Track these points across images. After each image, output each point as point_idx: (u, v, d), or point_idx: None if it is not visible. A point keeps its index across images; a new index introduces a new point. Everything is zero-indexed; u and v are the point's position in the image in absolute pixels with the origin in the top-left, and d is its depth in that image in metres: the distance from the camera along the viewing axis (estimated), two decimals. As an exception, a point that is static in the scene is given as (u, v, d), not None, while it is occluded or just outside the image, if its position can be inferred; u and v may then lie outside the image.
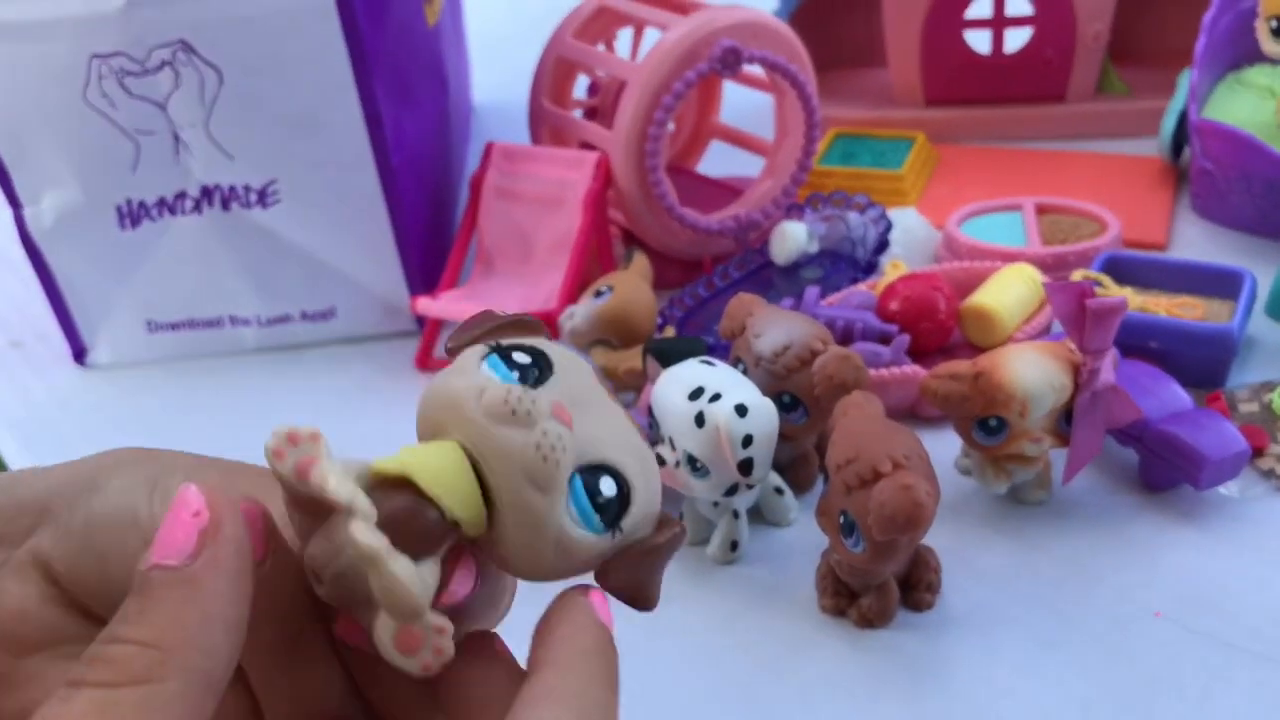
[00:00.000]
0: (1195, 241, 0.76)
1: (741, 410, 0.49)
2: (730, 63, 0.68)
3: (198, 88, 0.65)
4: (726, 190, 0.81)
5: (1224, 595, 0.50)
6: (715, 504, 0.54)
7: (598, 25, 0.77)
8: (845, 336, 0.63)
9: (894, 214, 0.75)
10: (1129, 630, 0.49)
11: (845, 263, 0.73)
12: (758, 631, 0.51)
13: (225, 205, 0.69)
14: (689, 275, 0.76)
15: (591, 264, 0.72)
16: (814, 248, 0.73)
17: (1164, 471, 0.55)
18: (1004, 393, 0.51)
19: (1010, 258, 0.69)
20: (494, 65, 1.06)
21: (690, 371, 0.52)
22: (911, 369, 0.61)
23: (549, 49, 0.76)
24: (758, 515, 0.57)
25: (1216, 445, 0.52)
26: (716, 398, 0.50)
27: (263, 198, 0.69)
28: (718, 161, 0.87)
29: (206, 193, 0.68)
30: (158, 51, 0.63)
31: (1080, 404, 0.51)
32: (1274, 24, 0.70)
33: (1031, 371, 0.51)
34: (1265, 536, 0.53)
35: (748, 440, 0.49)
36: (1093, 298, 0.50)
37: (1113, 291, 0.63)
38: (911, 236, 0.75)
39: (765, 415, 0.50)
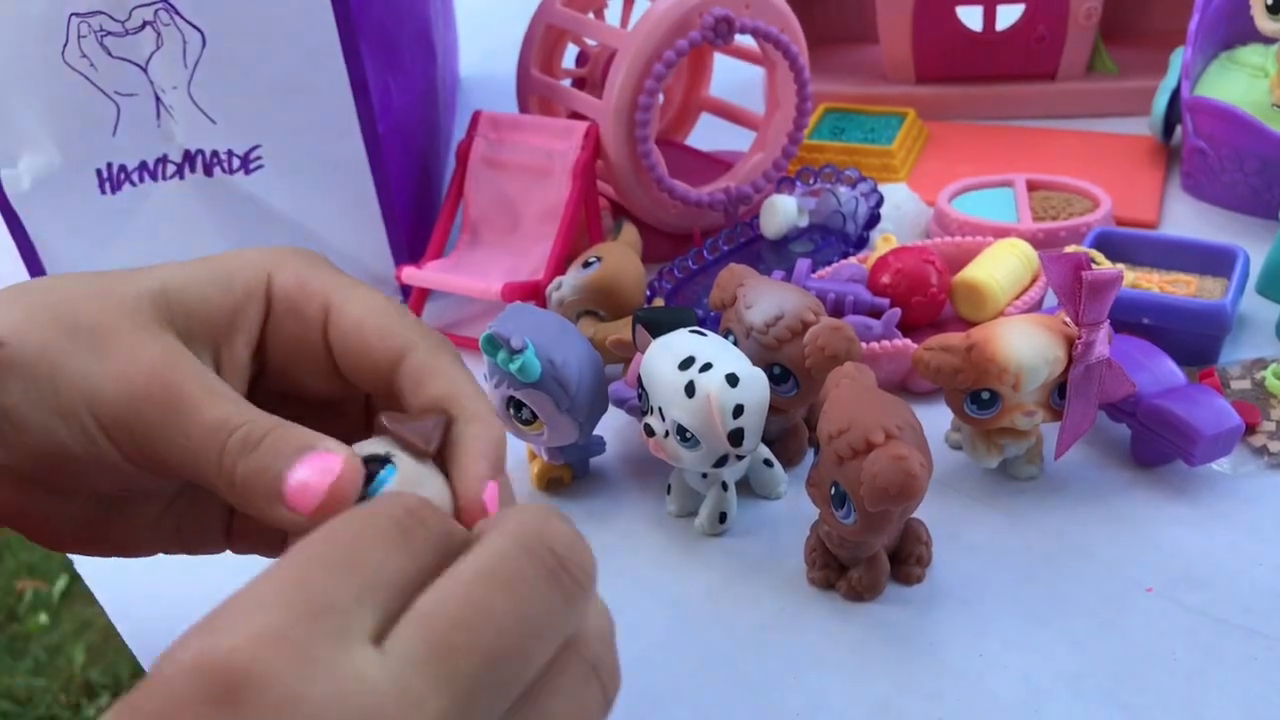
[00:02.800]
0: (1186, 220, 0.75)
1: (733, 380, 0.48)
2: (723, 32, 0.68)
3: (180, 49, 0.63)
4: (716, 164, 0.80)
5: (1215, 571, 0.50)
6: (704, 475, 0.54)
7: (588, -7, 0.76)
8: (836, 309, 0.62)
9: (885, 189, 0.74)
10: (1120, 605, 0.49)
11: (835, 237, 0.72)
12: (745, 604, 0.50)
13: (208, 170, 0.67)
14: (678, 248, 0.75)
15: (580, 235, 0.71)
16: (804, 221, 0.73)
17: (1156, 447, 0.54)
18: (997, 365, 0.50)
19: (1002, 233, 0.69)
20: (481, 36, 1.05)
21: (680, 341, 0.51)
22: (903, 342, 0.60)
23: (538, 16, 0.75)
24: (746, 488, 0.56)
25: (1210, 421, 0.52)
26: (707, 367, 0.49)
27: (246, 163, 0.68)
28: (707, 135, 0.86)
29: (189, 157, 0.67)
30: (139, 11, 0.62)
31: (1074, 377, 0.51)
32: (1269, 1, 0.70)
33: (1025, 344, 0.50)
34: (1257, 513, 0.52)
35: (738, 410, 0.48)
36: (1089, 269, 0.49)
37: (1104, 265, 0.63)
38: (902, 212, 0.74)
39: (757, 385, 0.49)
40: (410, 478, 0.35)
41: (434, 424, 0.36)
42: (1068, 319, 0.51)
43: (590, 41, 0.82)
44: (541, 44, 0.76)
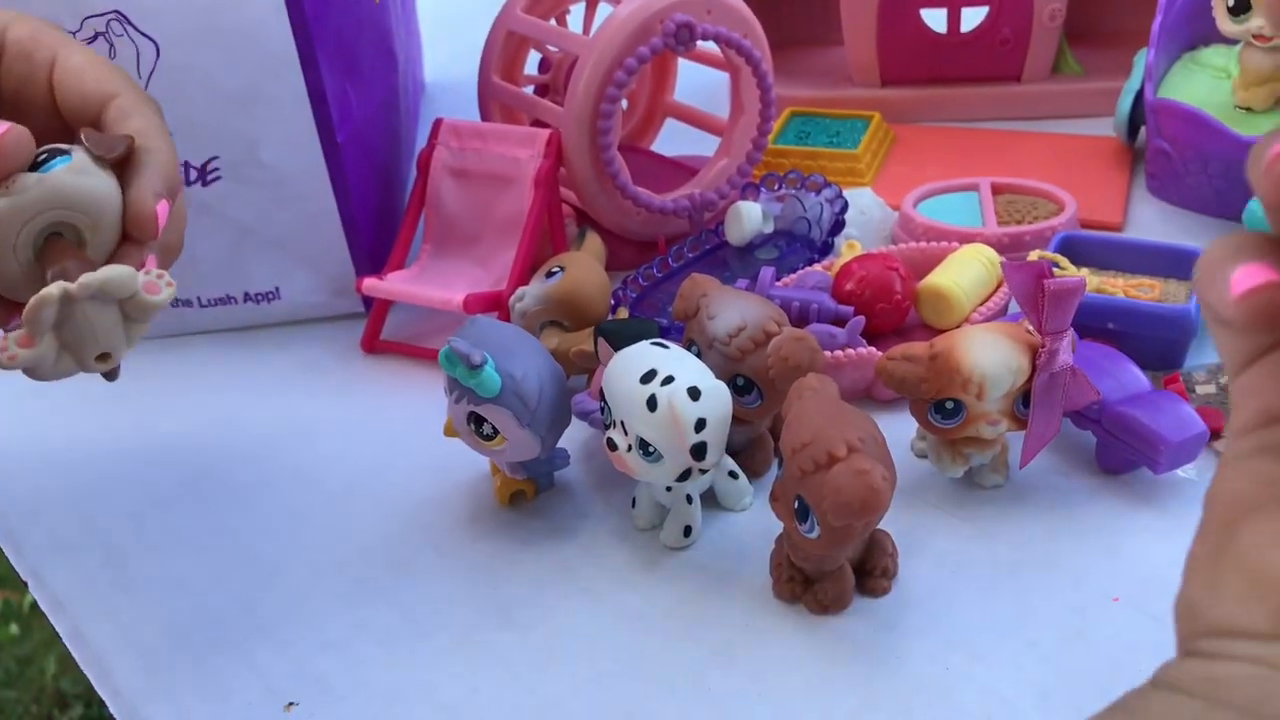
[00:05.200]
0: (1151, 222, 0.75)
1: (695, 393, 0.48)
2: (684, 38, 0.67)
3: (133, 60, 0.62)
4: (681, 169, 0.79)
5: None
6: (668, 489, 0.53)
7: (548, 1, 0.75)
8: (800, 318, 0.62)
9: (849, 194, 0.74)
10: (1087, 615, 0.48)
11: (801, 243, 0.72)
12: (711, 618, 0.50)
13: (163, 183, 0.66)
14: (643, 255, 0.74)
15: (543, 244, 0.70)
16: (769, 228, 0.72)
17: (1122, 454, 0.54)
18: (961, 374, 0.50)
19: (966, 238, 0.69)
20: (445, 42, 1.04)
21: (642, 354, 0.50)
22: (867, 350, 0.60)
23: (499, 23, 0.75)
24: (712, 500, 0.56)
25: (1175, 427, 0.52)
26: (669, 380, 0.49)
27: (203, 175, 0.67)
28: (672, 141, 0.85)
29: (144, 170, 0.66)
30: (91, 21, 0.61)
31: (1038, 386, 0.50)
32: (1231, 2, 0.70)
33: (988, 353, 0.50)
34: (1222, 519, 0.52)
35: (701, 424, 0.48)
36: (1051, 278, 0.49)
37: (1070, 272, 0.63)
38: (867, 217, 0.74)
39: (719, 398, 0.48)
40: (81, 168, 0.43)
41: (119, 140, 0.44)
42: (1031, 327, 0.51)
43: (552, 48, 0.81)
44: (503, 50, 0.75)
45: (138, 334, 0.45)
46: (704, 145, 0.80)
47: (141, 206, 0.44)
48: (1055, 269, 0.63)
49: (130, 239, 0.45)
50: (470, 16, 0.83)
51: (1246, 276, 0.25)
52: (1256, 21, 0.69)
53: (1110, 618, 0.48)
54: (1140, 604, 0.49)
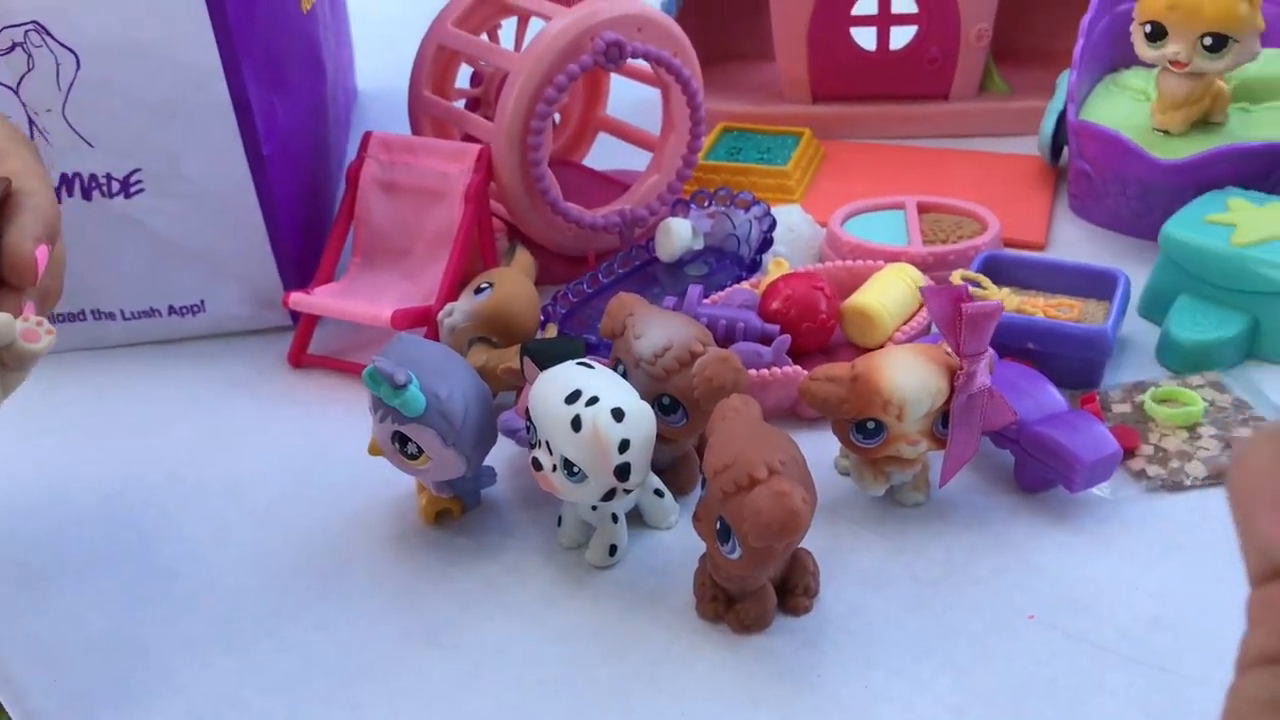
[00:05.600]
0: (1073, 241, 0.77)
1: (618, 414, 0.48)
2: (614, 56, 0.67)
3: (53, 71, 0.61)
4: (613, 184, 0.80)
5: (1095, 597, 0.51)
6: (594, 508, 0.53)
7: (481, 14, 0.75)
8: (727, 336, 0.62)
9: (778, 211, 0.74)
10: (1003, 633, 0.49)
11: (730, 260, 0.73)
12: (636, 637, 0.50)
13: (86, 194, 0.65)
14: (574, 270, 0.74)
15: (473, 259, 0.70)
16: (699, 244, 0.73)
17: (1039, 474, 0.55)
18: (881, 396, 0.51)
19: (892, 257, 0.70)
20: (378, 50, 1.03)
21: (567, 374, 0.51)
22: (792, 369, 0.60)
23: (429, 37, 0.74)
24: (638, 518, 0.56)
25: (1089, 447, 0.53)
26: (594, 401, 0.49)
27: (126, 187, 0.66)
28: (606, 155, 0.86)
29: (65, 181, 0.65)
30: (8, 32, 0.60)
31: (956, 407, 0.51)
32: (1148, 29, 0.71)
33: (908, 375, 0.51)
34: (1136, 538, 0.54)
35: (624, 445, 0.48)
36: (968, 301, 0.50)
37: (991, 292, 0.64)
38: (795, 234, 0.74)
39: (642, 419, 0.49)
40: None
41: None
42: (950, 349, 0.52)
43: (483, 62, 0.81)
44: (433, 64, 0.75)
45: (16, 382, 0.44)
46: (638, 160, 0.80)
47: (19, 251, 0.43)
48: (976, 289, 0.64)
49: (7, 285, 0.44)
50: (404, 24, 0.83)
51: None
52: (1172, 48, 0.70)
53: (1025, 635, 0.49)
54: (1054, 621, 0.50)
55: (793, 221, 0.75)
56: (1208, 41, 0.69)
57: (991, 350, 0.59)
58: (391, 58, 0.81)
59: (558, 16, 0.69)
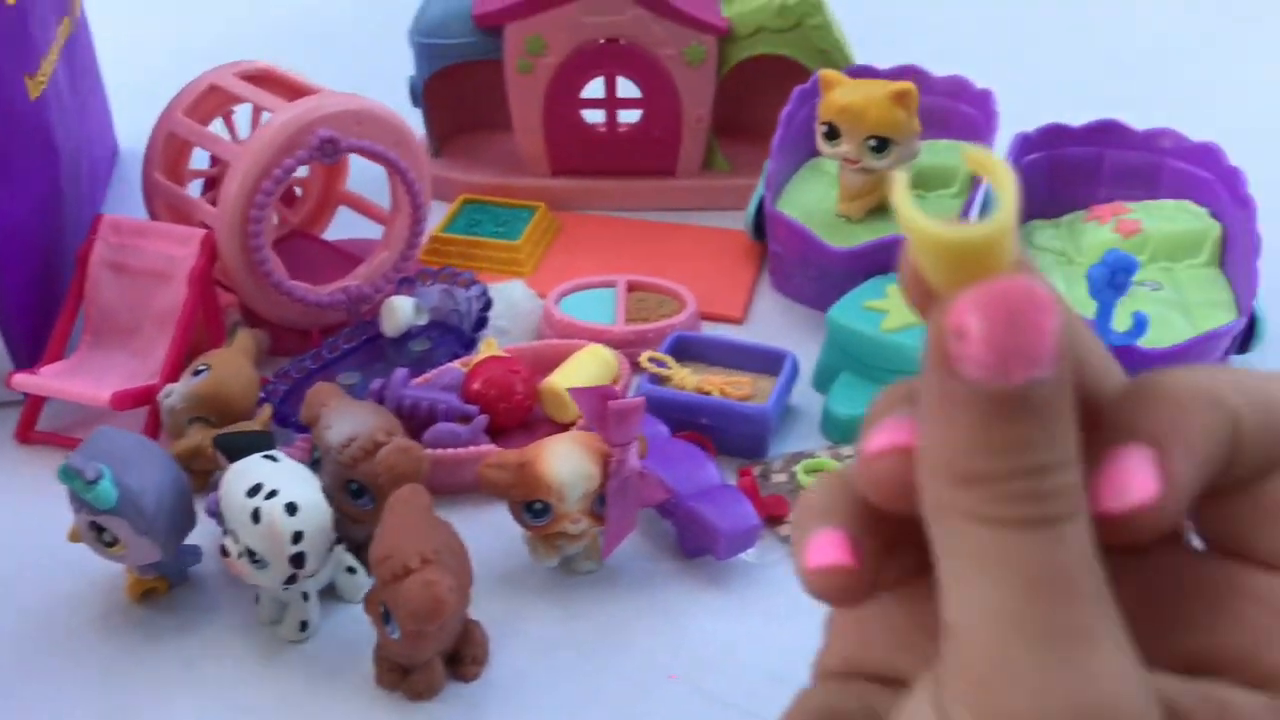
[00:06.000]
0: (770, 314, 0.85)
1: (292, 508, 0.53)
2: (329, 151, 0.72)
3: None
4: (347, 259, 0.84)
5: (730, 656, 0.58)
6: (285, 587, 0.58)
7: (211, 102, 0.79)
8: (429, 417, 0.68)
9: (501, 287, 0.80)
10: (648, 694, 0.56)
11: (453, 335, 0.78)
12: (316, 709, 0.55)
13: None
14: (307, 343, 0.79)
15: (201, 339, 0.74)
16: (423, 320, 0.78)
17: (694, 542, 0.62)
18: (543, 482, 0.57)
19: (597, 335, 0.76)
20: (143, 103, 1.04)
21: (252, 467, 0.55)
22: (488, 448, 0.66)
23: (160, 124, 0.78)
24: (334, 591, 0.61)
25: (731, 521, 0.60)
26: (272, 494, 0.53)
27: None
28: (352, 222, 0.90)
29: None
30: None
31: (611, 489, 0.58)
32: (824, 129, 0.80)
33: (565, 463, 0.57)
34: (774, 598, 0.61)
35: (298, 536, 0.53)
36: (615, 399, 0.56)
37: (674, 370, 0.71)
38: (517, 310, 0.80)
39: (316, 512, 0.54)
40: None
41: None
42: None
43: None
44: (165, 150, 0.78)
45: None
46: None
47: None
48: (661, 368, 0.71)
49: None
50: (163, 75, 0.85)
51: (820, 550, 0.21)
52: (845, 146, 0.79)
53: (665, 695, 0.56)
54: (693, 681, 0.56)
55: (515, 297, 0.81)
56: (872, 143, 0.78)
57: (664, 428, 0.66)
58: (155, 108, 0.82)
59: (279, 110, 0.73)
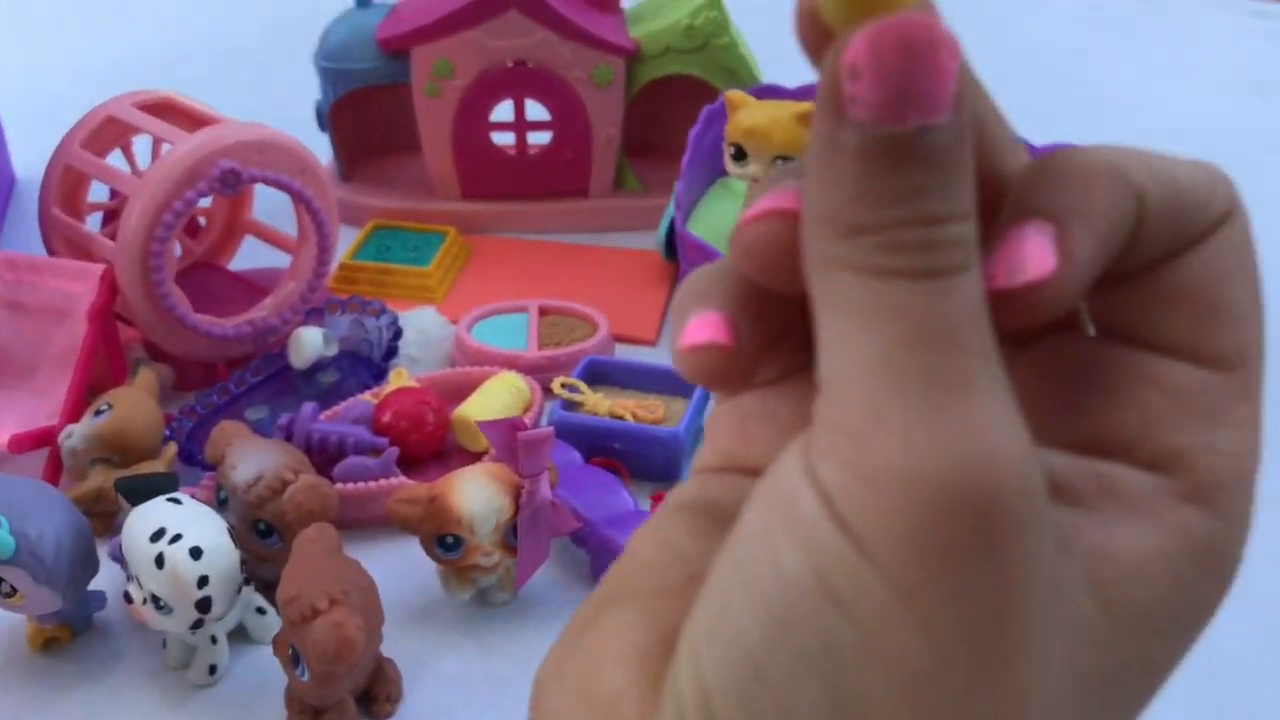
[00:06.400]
0: (684, 335, 0.85)
1: (196, 552, 0.52)
2: (230, 182, 0.71)
3: None
4: (254, 290, 0.83)
5: (645, 682, 0.58)
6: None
7: (108, 134, 0.77)
8: (339, 450, 0.67)
9: (412, 314, 0.80)
10: (563, 722, 0.55)
11: (364, 365, 0.77)
12: (226, 755, 0.54)
13: None
14: (214, 376, 0.77)
15: (102, 376, 0.72)
16: (332, 351, 0.77)
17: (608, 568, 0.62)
18: (453, 515, 0.57)
19: (509, 362, 0.76)
20: (41, 130, 1.02)
21: (154, 511, 0.54)
22: (399, 481, 0.65)
23: (56, 157, 0.76)
24: (244, 632, 0.60)
25: (644, 548, 0.60)
26: (176, 539, 0.52)
27: None
28: (259, 251, 0.88)
29: None
30: None
31: (522, 520, 0.58)
32: (732, 150, 0.80)
33: (476, 495, 0.57)
34: (689, 623, 0.61)
35: (204, 580, 0.52)
36: (523, 430, 0.56)
37: (586, 398, 0.71)
38: (427, 336, 0.80)
39: (221, 555, 0.53)
40: None
41: None
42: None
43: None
44: (62, 183, 0.76)
45: None
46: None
47: None
48: (574, 394, 0.71)
49: None
50: (61, 101, 0.83)
51: (695, 330, 0.21)
52: (751, 168, 0.79)
53: (580, 724, 0.55)
54: (609, 708, 0.56)
55: (425, 324, 0.80)
56: (780, 164, 0.79)
57: (576, 455, 0.66)
58: (54, 136, 0.80)
59: (180, 142, 0.72)
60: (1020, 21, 1.38)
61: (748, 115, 0.79)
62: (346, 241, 0.88)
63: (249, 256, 0.88)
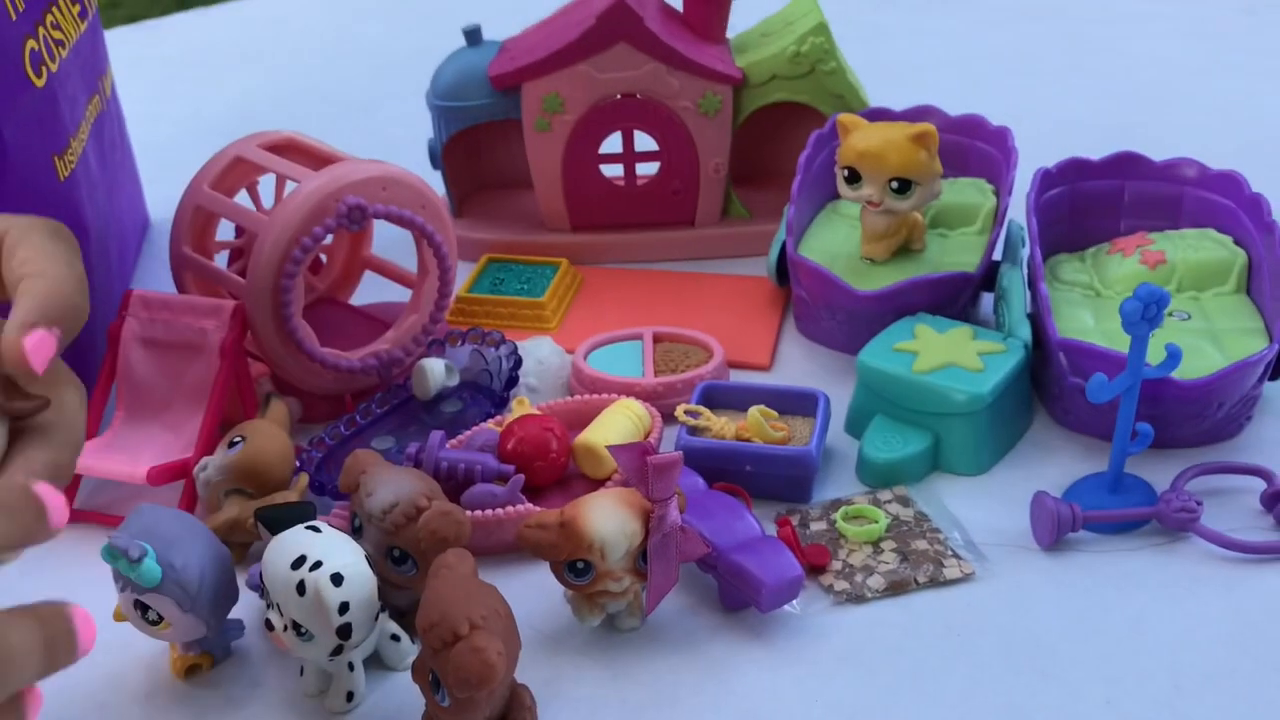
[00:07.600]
0: (798, 359, 0.85)
1: (337, 579, 0.53)
2: (356, 218, 0.72)
3: None
4: (375, 323, 0.84)
5: (777, 709, 0.57)
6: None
7: (236, 174, 0.80)
8: (467, 479, 0.68)
9: (529, 344, 0.80)
10: (697, 749, 0.55)
11: (485, 395, 0.78)
12: (367, 780, 0.54)
13: None
14: (339, 409, 0.79)
15: (234, 410, 0.74)
16: (454, 381, 0.78)
17: (736, 595, 0.62)
18: (585, 540, 0.57)
19: (626, 389, 0.76)
20: (170, 174, 1.06)
21: (295, 539, 0.55)
22: (526, 507, 0.66)
23: (186, 199, 0.78)
24: (379, 659, 0.61)
25: (774, 572, 0.60)
26: (317, 566, 0.53)
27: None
28: (377, 287, 0.90)
29: None
30: None
31: (652, 545, 0.57)
32: (845, 173, 0.80)
33: (607, 520, 0.57)
34: (819, 649, 0.60)
35: (344, 607, 0.53)
36: (653, 454, 0.56)
37: (710, 422, 0.71)
38: (545, 366, 0.80)
39: (361, 582, 0.54)
40: None
41: None
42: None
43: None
44: (192, 223, 0.79)
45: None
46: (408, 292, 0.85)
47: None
48: (696, 420, 0.71)
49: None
50: (186, 148, 0.86)
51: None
52: (867, 190, 0.79)
53: (715, 750, 0.55)
54: (743, 735, 0.56)
55: (542, 354, 0.81)
56: (895, 185, 0.78)
57: (700, 481, 0.66)
58: (181, 179, 0.82)
59: (305, 180, 0.74)
60: (1130, 44, 1.36)
61: (861, 138, 0.79)
62: (460, 276, 0.90)
63: (364, 292, 0.90)
